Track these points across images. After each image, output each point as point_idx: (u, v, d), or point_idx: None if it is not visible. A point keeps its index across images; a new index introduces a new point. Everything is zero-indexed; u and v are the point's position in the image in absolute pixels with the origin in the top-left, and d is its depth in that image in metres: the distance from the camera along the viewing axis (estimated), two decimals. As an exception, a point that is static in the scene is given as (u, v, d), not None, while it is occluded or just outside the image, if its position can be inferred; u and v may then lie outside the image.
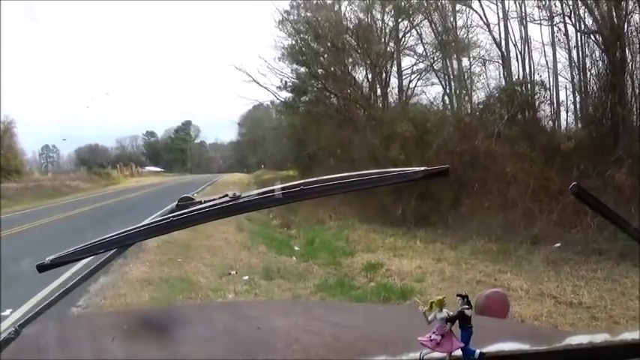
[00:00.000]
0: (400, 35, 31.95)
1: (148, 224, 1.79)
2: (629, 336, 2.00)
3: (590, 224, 17.28)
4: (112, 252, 1.93)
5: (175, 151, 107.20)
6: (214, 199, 1.80)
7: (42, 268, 1.82)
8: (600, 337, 1.98)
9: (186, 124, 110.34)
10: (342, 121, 31.13)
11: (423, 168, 1.78)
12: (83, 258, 1.81)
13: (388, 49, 32.22)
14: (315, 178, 1.80)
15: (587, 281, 13.60)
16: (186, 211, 1.77)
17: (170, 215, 1.79)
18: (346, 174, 1.82)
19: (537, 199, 19.87)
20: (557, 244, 16.99)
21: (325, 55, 32.83)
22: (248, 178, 59.27)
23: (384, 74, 31.78)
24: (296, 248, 18.64)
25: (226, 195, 1.77)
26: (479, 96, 28.32)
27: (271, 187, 1.80)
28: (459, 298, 1.66)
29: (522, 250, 16.70)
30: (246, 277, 13.79)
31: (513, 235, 18.13)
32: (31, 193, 45.10)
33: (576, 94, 25.54)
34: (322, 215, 24.81)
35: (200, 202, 1.82)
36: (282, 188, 1.77)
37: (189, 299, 11.56)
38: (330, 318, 2.86)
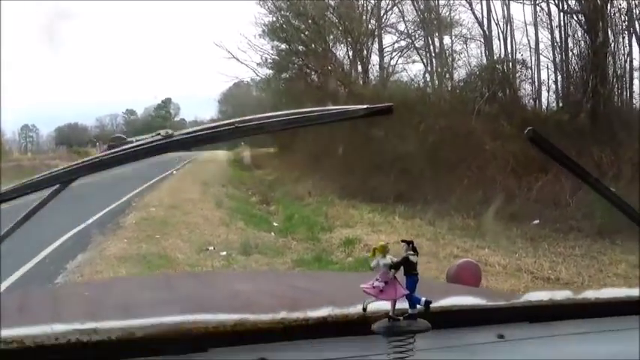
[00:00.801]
0: (382, 12, 31.92)
1: (80, 162, 1.73)
2: (591, 294, 1.96)
3: (568, 202, 17.36)
4: (52, 189, 1.86)
5: (155, 129, 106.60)
6: (146, 138, 1.74)
7: None
8: (561, 295, 1.93)
9: (166, 102, 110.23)
10: (323, 97, 31.08)
11: (365, 106, 1.71)
12: (22, 195, 1.74)
13: (370, 26, 32.20)
14: (251, 117, 1.73)
15: (564, 258, 13.68)
16: (116, 149, 1.71)
17: (101, 154, 1.73)
18: (285, 112, 1.76)
19: (516, 177, 19.93)
20: (536, 221, 17.06)
21: (306, 32, 32.75)
22: (228, 154, 59.03)
23: (365, 51, 31.78)
24: (275, 224, 18.67)
25: (159, 133, 1.71)
26: (460, 74, 28.43)
27: (203, 126, 1.74)
28: (403, 244, 1.59)
29: (500, 227, 16.71)
30: (224, 253, 13.80)
31: (492, 212, 18.17)
32: (10, 172, 44.75)
33: (558, 74, 25.65)
34: (301, 191, 24.87)
35: (132, 142, 1.76)
36: (215, 127, 1.71)
37: (165, 275, 11.52)
38: (298, 284, 2.83)
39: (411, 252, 1.57)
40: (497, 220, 17.29)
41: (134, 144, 1.72)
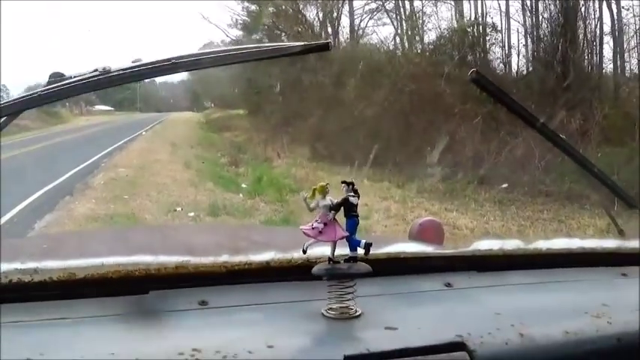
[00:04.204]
0: (353, -26, 31.69)
1: (17, 98, 1.70)
2: (543, 245, 1.96)
3: (537, 166, 17.43)
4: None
5: (125, 89, 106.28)
6: (84, 74, 1.71)
7: None
8: (511, 244, 1.93)
9: (136, 62, 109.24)
10: (292, 59, 30.89)
11: (302, 43, 1.68)
12: None
13: (340, -13, 32.00)
14: (189, 53, 1.70)
15: (532, 222, 13.78)
16: (54, 85, 1.67)
17: (39, 90, 1.70)
18: (222, 48, 1.74)
19: (485, 140, 19.96)
20: (504, 185, 17.10)
21: (276, -7, 32.51)
22: (198, 116, 58.55)
23: (335, 13, 31.57)
24: (243, 186, 18.58)
25: (96, 69, 1.68)
26: (430, 37, 28.31)
27: (142, 62, 1.71)
28: (343, 185, 1.57)
29: (469, 190, 16.78)
30: (192, 214, 13.75)
31: (461, 175, 18.22)
32: (-23, 132, 44.29)
33: (528, 38, 25.65)
34: (271, 153, 24.78)
35: (70, 77, 1.73)
36: (153, 63, 1.68)
37: (133, 235, 11.46)
38: (255, 238, 2.81)
39: (352, 193, 1.54)
40: (466, 183, 17.36)
41: (72, 79, 1.69)
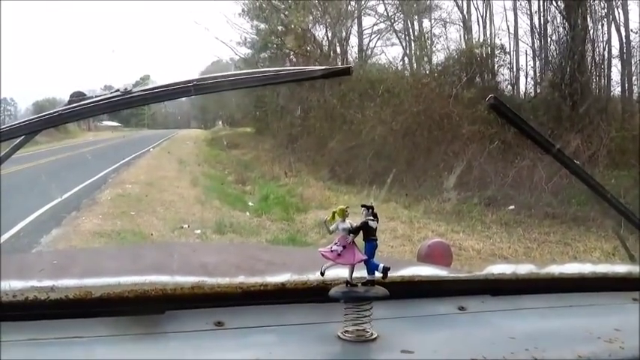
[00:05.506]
0: (361, -6, 31.73)
1: (36, 117, 1.71)
2: (555, 269, 1.96)
3: (544, 188, 17.39)
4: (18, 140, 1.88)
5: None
6: (105, 94, 1.71)
7: None
8: (524, 269, 1.93)
9: (145, 79, 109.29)
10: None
11: (323, 67, 1.68)
12: None
13: (349, 8, 31.99)
14: (208, 75, 1.71)
15: (539, 244, 13.72)
16: (75, 104, 1.68)
17: (59, 109, 1.71)
18: (241, 71, 1.74)
19: (492, 162, 19.92)
20: (511, 207, 17.07)
21: (285, 13, 32.47)
22: (205, 134, 58.38)
23: (344, 33, 31.59)
24: (250, 204, 18.57)
25: (117, 90, 1.68)
26: (438, 57, 28.32)
27: (163, 84, 1.71)
28: (363, 209, 1.57)
29: (476, 212, 16.74)
30: (199, 231, 13.73)
31: (467, 196, 18.18)
32: (-14, 146, 44.34)
33: (536, 60, 25.66)
34: (278, 172, 24.75)
35: (91, 97, 1.74)
36: (174, 85, 1.68)
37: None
38: (264, 257, 2.81)
39: (371, 217, 1.55)
40: (473, 205, 17.32)
41: (93, 99, 1.70)
